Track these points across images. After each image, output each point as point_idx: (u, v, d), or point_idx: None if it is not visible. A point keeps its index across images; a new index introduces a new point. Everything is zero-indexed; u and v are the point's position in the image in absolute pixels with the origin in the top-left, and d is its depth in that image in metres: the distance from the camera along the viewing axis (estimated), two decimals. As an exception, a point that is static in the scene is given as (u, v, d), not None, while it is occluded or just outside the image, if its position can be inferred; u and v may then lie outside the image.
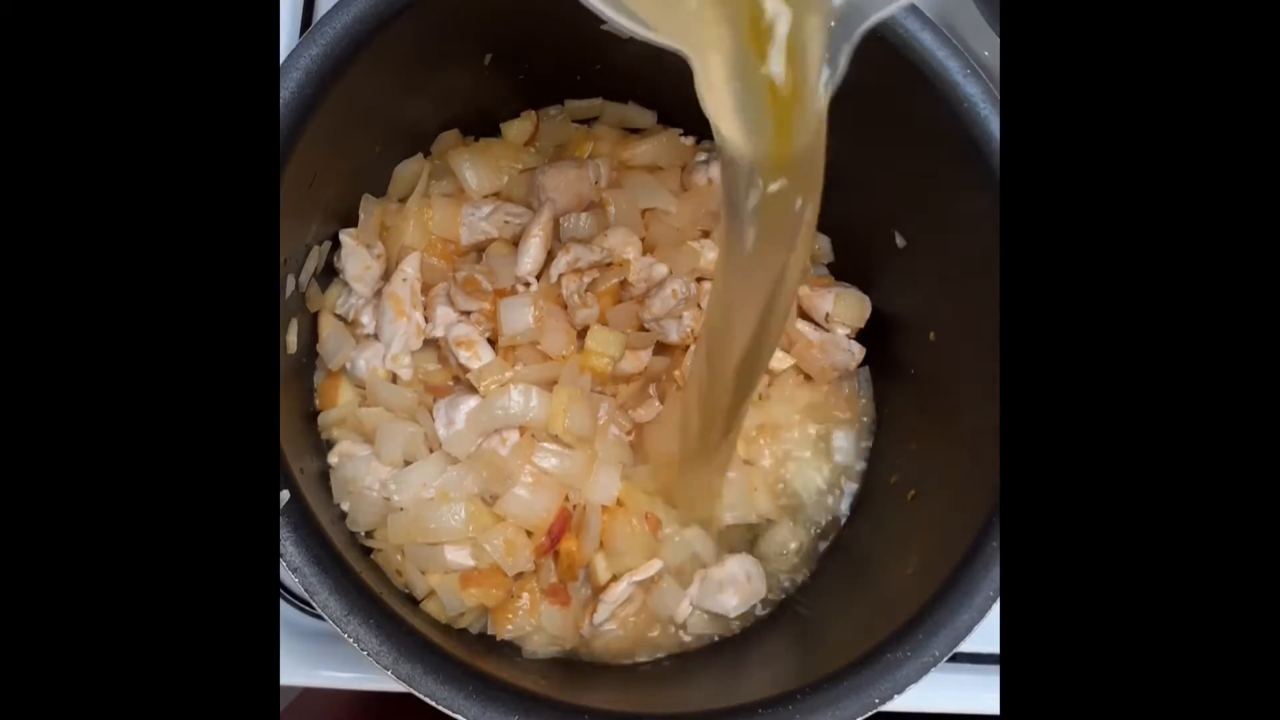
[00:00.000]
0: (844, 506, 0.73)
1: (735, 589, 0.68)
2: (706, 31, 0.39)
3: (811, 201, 0.44)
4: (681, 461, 0.66)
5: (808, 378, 0.74)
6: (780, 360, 0.73)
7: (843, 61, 0.40)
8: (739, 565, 0.69)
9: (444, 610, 0.64)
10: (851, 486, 0.74)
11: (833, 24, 0.39)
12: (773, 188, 0.42)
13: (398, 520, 0.64)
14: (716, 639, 0.69)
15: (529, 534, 0.65)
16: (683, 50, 0.39)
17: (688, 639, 0.69)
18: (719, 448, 0.63)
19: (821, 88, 0.40)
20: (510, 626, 0.65)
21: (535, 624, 0.66)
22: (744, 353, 0.52)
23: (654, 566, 0.67)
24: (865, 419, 0.75)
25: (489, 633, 0.66)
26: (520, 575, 0.66)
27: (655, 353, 0.71)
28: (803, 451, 0.73)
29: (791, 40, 0.38)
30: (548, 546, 0.65)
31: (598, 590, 0.66)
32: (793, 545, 0.72)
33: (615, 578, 0.66)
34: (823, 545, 0.73)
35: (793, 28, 0.38)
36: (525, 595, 0.66)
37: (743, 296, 0.49)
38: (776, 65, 0.39)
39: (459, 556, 0.64)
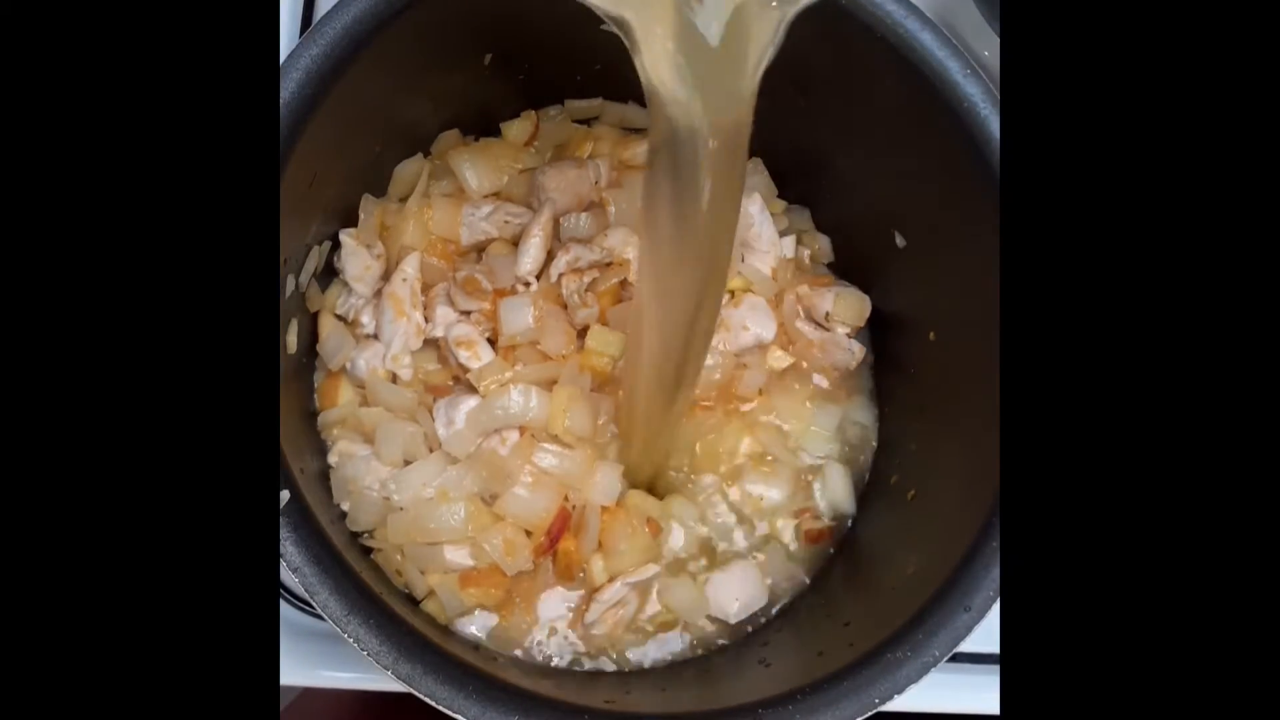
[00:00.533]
0: (844, 507, 0.73)
1: (737, 596, 0.68)
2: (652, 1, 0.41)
3: (743, 156, 0.47)
4: (642, 415, 0.65)
5: (808, 377, 0.74)
6: (781, 359, 0.73)
7: (780, 33, 0.43)
8: (741, 573, 0.69)
9: (444, 610, 0.64)
10: (852, 486, 0.74)
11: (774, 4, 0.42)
12: (711, 146, 0.44)
13: (398, 520, 0.64)
14: (716, 640, 0.69)
15: (528, 534, 0.65)
16: (628, 18, 0.41)
17: (687, 640, 0.69)
18: (675, 401, 0.62)
19: (758, 57, 0.43)
20: (509, 625, 0.65)
21: (533, 623, 0.66)
22: (693, 314, 0.54)
23: (650, 570, 0.67)
24: (865, 418, 0.75)
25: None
26: (519, 575, 0.66)
27: (655, 353, 0.71)
28: (802, 451, 0.73)
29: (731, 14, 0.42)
30: (547, 546, 0.66)
31: (592, 590, 0.66)
32: (794, 544, 0.72)
33: (612, 579, 0.66)
34: (822, 546, 0.73)
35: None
36: (524, 595, 0.66)
37: (691, 254, 0.50)
38: (714, 34, 0.42)
39: (458, 556, 0.64)
